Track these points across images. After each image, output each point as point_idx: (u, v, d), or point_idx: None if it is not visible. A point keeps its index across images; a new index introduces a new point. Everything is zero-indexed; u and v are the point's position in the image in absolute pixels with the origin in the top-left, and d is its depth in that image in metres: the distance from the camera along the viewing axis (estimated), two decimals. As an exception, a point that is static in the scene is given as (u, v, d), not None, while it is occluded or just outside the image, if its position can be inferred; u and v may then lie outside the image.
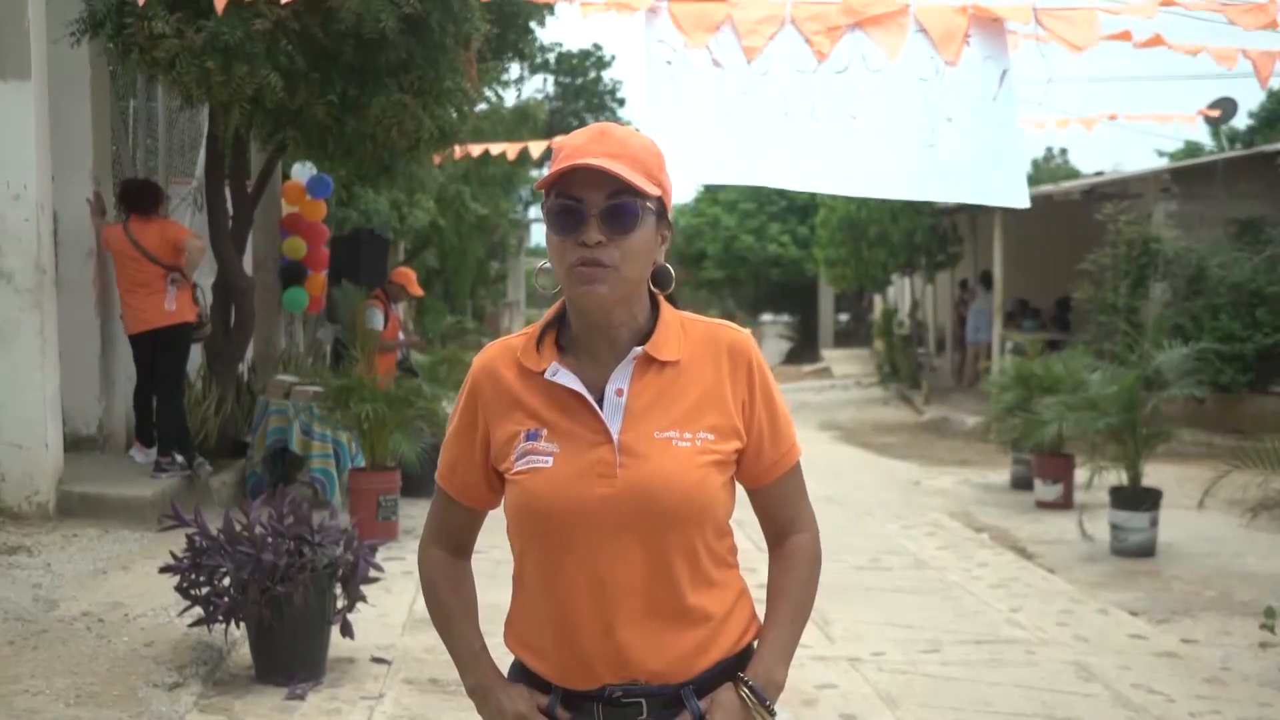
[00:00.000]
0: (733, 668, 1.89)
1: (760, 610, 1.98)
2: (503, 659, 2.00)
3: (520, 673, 1.95)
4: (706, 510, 1.84)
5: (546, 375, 1.86)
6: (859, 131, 5.09)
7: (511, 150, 13.44)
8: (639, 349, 1.86)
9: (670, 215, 1.91)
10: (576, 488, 1.81)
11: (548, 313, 1.95)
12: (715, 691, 1.86)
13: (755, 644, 1.94)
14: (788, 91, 5.03)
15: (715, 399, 1.88)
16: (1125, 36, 5.86)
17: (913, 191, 6.06)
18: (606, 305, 1.83)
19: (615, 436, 1.82)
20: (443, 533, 2.04)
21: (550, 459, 1.83)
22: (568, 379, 1.85)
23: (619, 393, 1.85)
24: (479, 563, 2.13)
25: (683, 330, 1.91)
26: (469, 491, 1.97)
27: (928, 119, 5.10)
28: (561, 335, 1.91)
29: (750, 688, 1.87)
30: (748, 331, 1.96)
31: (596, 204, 1.79)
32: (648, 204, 1.82)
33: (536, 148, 13.90)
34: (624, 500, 1.80)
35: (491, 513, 2.06)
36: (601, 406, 1.84)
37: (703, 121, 4.92)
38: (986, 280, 17.94)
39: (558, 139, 1.91)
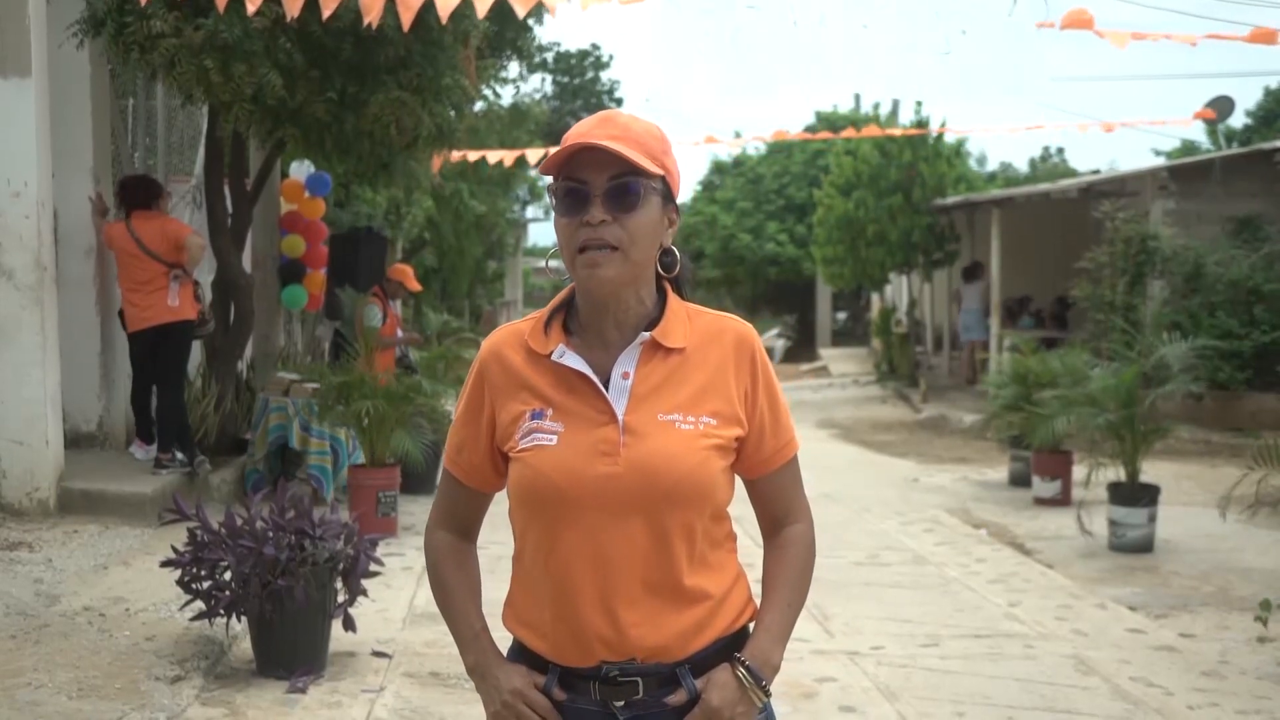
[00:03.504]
0: (729, 648, 1.92)
1: (757, 595, 2.00)
2: (502, 644, 2.01)
3: (518, 654, 1.97)
4: (706, 491, 1.87)
5: (553, 357, 1.90)
6: (871, 40, 5.05)
7: (509, 157, 13.48)
8: (646, 334, 1.90)
9: (677, 199, 1.94)
10: (580, 465, 1.84)
11: (555, 298, 1.99)
12: (712, 671, 1.89)
13: (751, 626, 1.96)
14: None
15: (719, 386, 1.91)
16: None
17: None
18: (613, 287, 1.86)
19: (620, 417, 1.85)
20: (449, 515, 2.07)
21: (554, 437, 1.86)
22: (574, 361, 1.88)
23: (625, 375, 1.88)
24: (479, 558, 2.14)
25: (689, 320, 1.94)
26: (475, 474, 2.01)
27: (941, 30, 5.08)
28: (569, 319, 1.95)
29: (746, 667, 1.89)
30: (751, 325, 2.00)
31: (600, 184, 1.83)
32: (651, 184, 1.86)
33: (534, 154, 13.94)
34: (626, 479, 1.83)
35: (492, 509, 2.08)
36: (607, 389, 1.87)
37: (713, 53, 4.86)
38: (968, 274, 17.74)
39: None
